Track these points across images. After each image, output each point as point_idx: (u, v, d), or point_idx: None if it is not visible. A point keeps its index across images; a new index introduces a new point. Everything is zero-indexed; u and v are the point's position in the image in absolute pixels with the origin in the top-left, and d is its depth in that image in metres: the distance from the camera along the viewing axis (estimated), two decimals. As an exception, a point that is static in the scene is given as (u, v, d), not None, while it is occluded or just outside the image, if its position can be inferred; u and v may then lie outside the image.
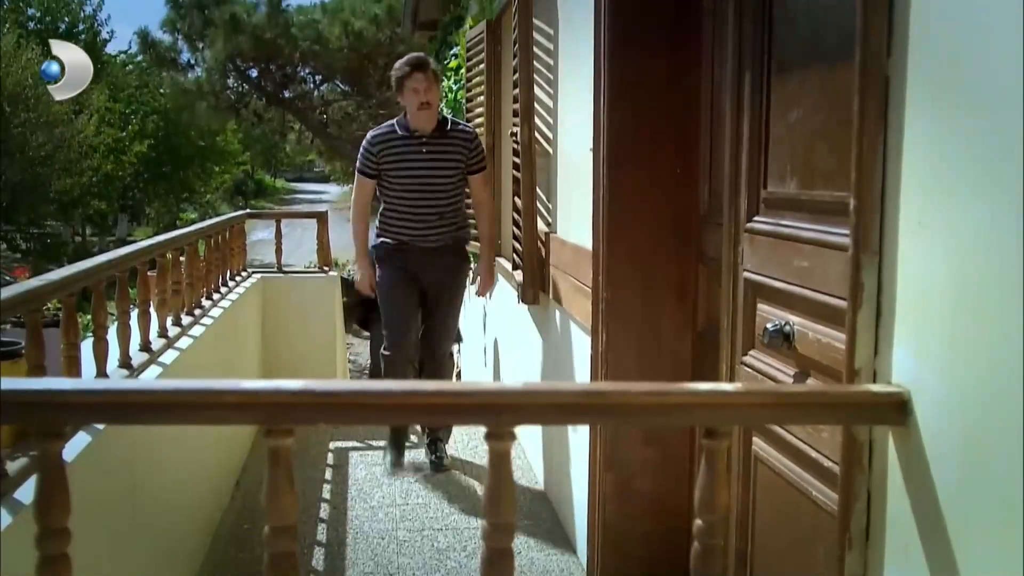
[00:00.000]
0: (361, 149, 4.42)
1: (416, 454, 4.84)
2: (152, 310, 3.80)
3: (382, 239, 4.47)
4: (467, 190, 4.57)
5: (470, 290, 5.21)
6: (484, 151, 4.61)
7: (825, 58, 1.85)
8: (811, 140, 1.91)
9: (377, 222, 4.52)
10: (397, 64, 4.35)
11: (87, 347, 3.05)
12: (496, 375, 5.81)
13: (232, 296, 5.49)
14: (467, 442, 5.01)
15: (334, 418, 1.48)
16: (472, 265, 4.93)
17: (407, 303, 4.47)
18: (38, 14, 22.92)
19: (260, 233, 13.07)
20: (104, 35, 25.29)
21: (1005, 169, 1.22)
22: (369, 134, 4.45)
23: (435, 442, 4.78)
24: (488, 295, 5.24)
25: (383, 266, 4.47)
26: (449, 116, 4.49)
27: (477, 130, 5.57)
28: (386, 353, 4.49)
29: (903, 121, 1.44)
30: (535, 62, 4.21)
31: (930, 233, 1.39)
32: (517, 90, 4.38)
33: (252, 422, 1.72)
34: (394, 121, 4.44)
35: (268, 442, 1.42)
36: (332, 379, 6.74)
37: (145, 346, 3.61)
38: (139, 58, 25.92)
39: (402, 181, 4.34)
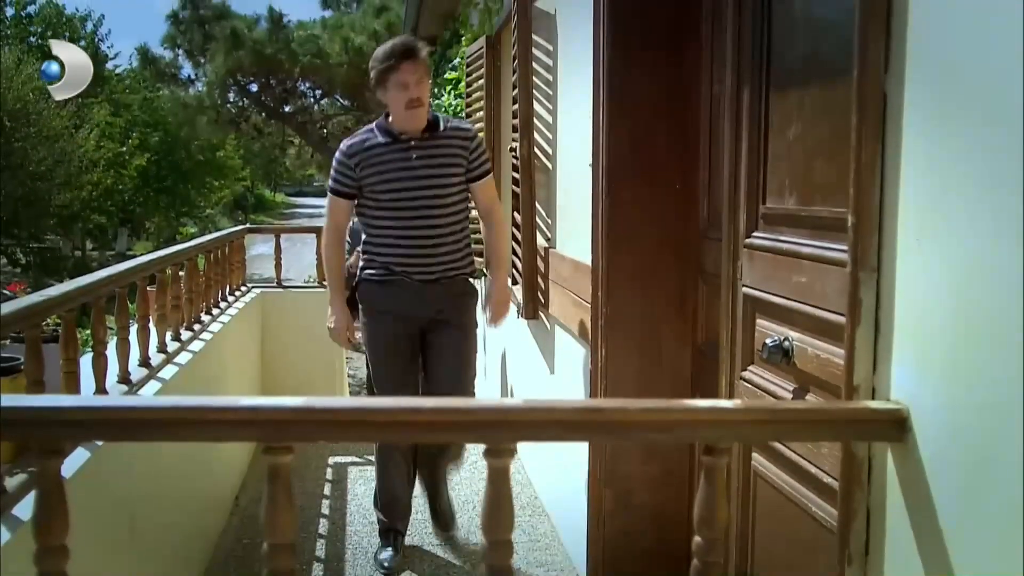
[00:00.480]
0: (334, 162, 3.54)
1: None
2: (151, 325, 3.81)
3: (366, 272, 3.58)
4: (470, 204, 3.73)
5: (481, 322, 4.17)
6: (487, 151, 3.76)
7: (823, 74, 1.85)
8: (810, 156, 1.91)
9: (360, 251, 3.66)
10: (378, 54, 3.45)
11: (86, 362, 3.05)
12: (495, 390, 5.81)
13: (231, 311, 5.50)
14: (466, 457, 5.00)
15: (335, 435, 1.48)
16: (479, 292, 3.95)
17: (402, 358, 3.62)
18: (39, 30, 23.02)
19: (259, 247, 13.06)
20: (105, 51, 25.36)
21: (1004, 185, 1.22)
22: (343, 143, 3.56)
23: (436, 497, 4.02)
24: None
25: (368, 309, 3.61)
26: (441, 115, 3.67)
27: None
28: None
29: (901, 137, 1.45)
30: (534, 77, 4.22)
31: (928, 249, 1.39)
32: (516, 105, 4.39)
33: (252, 439, 1.72)
34: (373, 126, 3.55)
35: (267, 459, 1.41)
36: (332, 394, 6.74)
37: (144, 361, 3.61)
38: (135, 69, 26.02)
39: (389, 198, 3.45)
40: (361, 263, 3.61)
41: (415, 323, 3.58)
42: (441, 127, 3.52)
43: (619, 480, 3.02)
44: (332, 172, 3.55)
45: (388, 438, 2.21)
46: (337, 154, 3.53)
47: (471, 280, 3.67)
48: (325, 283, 7.06)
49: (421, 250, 3.48)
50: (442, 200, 3.48)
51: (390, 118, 3.48)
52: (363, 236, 3.61)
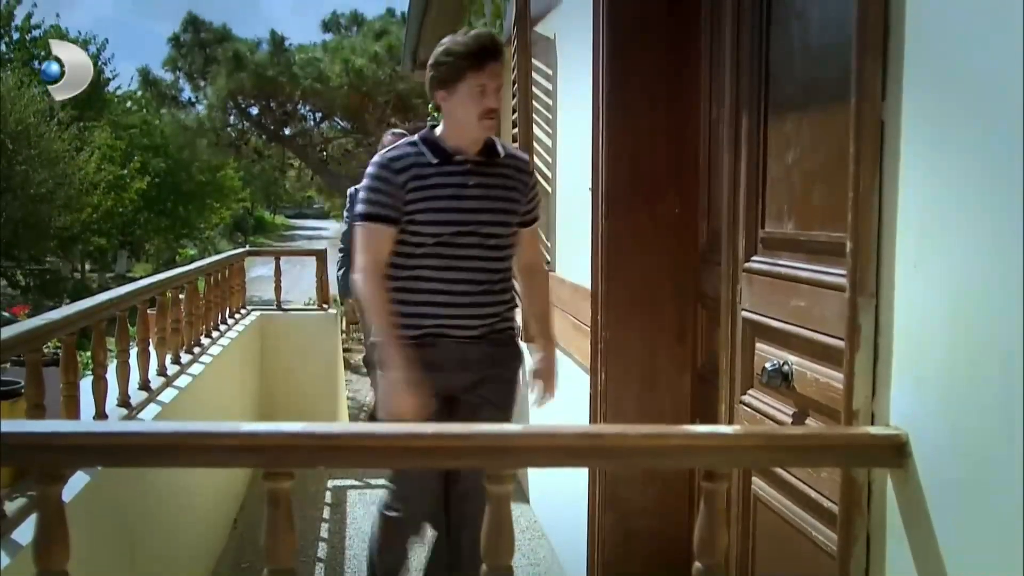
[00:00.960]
0: (371, 180, 2.70)
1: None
2: (152, 348, 3.81)
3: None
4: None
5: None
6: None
7: (821, 100, 1.87)
8: (808, 181, 1.92)
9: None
10: (452, 45, 2.67)
11: (86, 385, 3.05)
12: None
13: (231, 334, 5.50)
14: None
15: (335, 461, 1.48)
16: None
17: None
18: (43, 53, 23.13)
19: (259, 270, 13.09)
20: (107, 74, 25.45)
21: (1000, 212, 1.23)
22: (383, 156, 2.74)
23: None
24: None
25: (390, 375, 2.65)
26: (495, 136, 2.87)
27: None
28: (389, 513, 2.89)
29: (899, 164, 1.46)
30: (534, 101, 4.24)
31: (926, 275, 1.40)
32: (516, 128, 4.41)
33: (252, 465, 1.73)
34: (416, 139, 2.78)
35: (267, 485, 1.42)
36: (332, 418, 6.73)
37: (144, 384, 3.61)
38: (139, 93, 26.11)
39: (433, 232, 2.67)
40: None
41: (446, 393, 2.74)
42: (500, 151, 2.81)
43: (619, 504, 3.01)
44: (369, 193, 2.69)
45: (388, 464, 2.19)
46: (376, 169, 2.71)
47: (516, 338, 2.91)
48: (325, 306, 7.13)
49: (465, 298, 2.71)
50: (498, 240, 2.76)
51: (439, 131, 2.76)
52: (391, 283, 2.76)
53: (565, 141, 3.83)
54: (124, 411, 3.27)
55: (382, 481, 4.83)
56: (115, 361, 3.33)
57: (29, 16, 21.83)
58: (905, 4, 1.44)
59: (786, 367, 1.98)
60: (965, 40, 1.32)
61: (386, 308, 2.66)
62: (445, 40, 2.71)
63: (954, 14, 1.34)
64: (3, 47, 21.28)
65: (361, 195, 2.73)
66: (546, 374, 2.90)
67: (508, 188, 2.79)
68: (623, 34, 2.90)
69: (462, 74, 2.63)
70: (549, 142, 4.11)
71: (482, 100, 2.63)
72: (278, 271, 7.00)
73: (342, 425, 1.90)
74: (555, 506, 4.12)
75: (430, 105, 8.71)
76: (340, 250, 5.46)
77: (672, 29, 2.89)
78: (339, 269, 5.50)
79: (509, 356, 2.86)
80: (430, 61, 2.72)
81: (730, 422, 2.29)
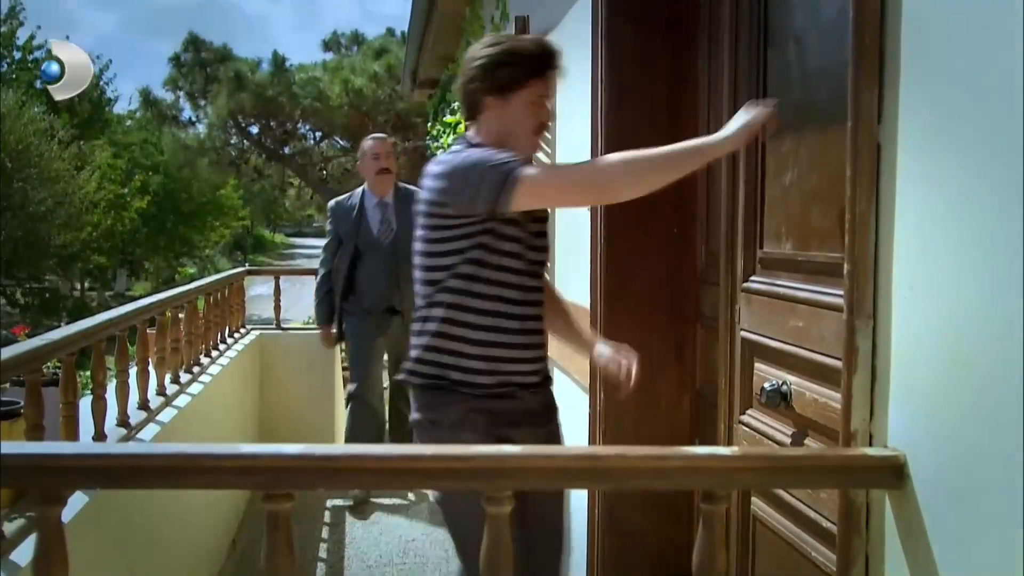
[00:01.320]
0: (482, 152, 2.18)
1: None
2: (151, 368, 3.81)
3: (448, 384, 2.23)
4: None
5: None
6: None
7: (818, 122, 1.88)
8: (806, 201, 1.93)
9: (420, 345, 2.27)
10: (510, 45, 2.28)
11: (85, 404, 3.05)
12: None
13: (230, 353, 5.50)
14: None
15: (334, 482, 1.48)
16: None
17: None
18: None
19: (258, 288, 13.08)
20: (109, 94, 25.52)
21: (996, 233, 1.24)
22: (476, 144, 2.27)
23: None
24: None
25: (450, 439, 2.21)
26: None
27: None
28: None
29: (895, 186, 1.47)
30: (533, 122, 4.25)
31: (923, 296, 1.40)
32: (515, 149, 4.42)
33: (251, 487, 1.72)
34: (461, 149, 2.29)
35: (267, 507, 1.42)
36: (331, 438, 6.71)
37: (143, 404, 3.60)
38: (139, 114, 26.22)
39: (508, 262, 2.21)
40: (432, 363, 2.25)
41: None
42: None
43: (618, 525, 3.00)
44: (494, 156, 2.14)
45: (388, 485, 2.18)
46: (480, 152, 2.20)
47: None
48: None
49: (537, 338, 2.32)
50: (546, 269, 2.41)
51: (479, 142, 2.28)
52: (437, 322, 2.23)
53: (564, 160, 3.84)
54: (123, 431, 3.27)
55: (383, 499, 4.84)
56: (114, 381, 3.33)
57: (32, 37, 21.91)
58: (901, 28, 1.45)
59: (785, 387, 1.99)
60: (961, 64, 1.33)
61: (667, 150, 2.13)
62: (501, 40, 2.32)
63: (950, 38, 1.35)
64: (4, 67, 21.34)
65: (491, 162, 2.13)
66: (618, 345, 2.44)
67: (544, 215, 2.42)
68: (621, 54, 2.92)
69: (524, 81, 2.24)
70: (549, 162, 4.11)
71: (540, 112, 2.29)
72: (277, 290, 6.99)
73: (341, 447, 1.90)
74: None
75: (428, 124, 8.75)
76: (321, 262, 5.04)
77: (670, 49, 2.91)
78: (318, 289, 5.06)
79: (555, 403, 2.50)
80: (481, 61, 2.26)
81: (729, 442, 2.29)
